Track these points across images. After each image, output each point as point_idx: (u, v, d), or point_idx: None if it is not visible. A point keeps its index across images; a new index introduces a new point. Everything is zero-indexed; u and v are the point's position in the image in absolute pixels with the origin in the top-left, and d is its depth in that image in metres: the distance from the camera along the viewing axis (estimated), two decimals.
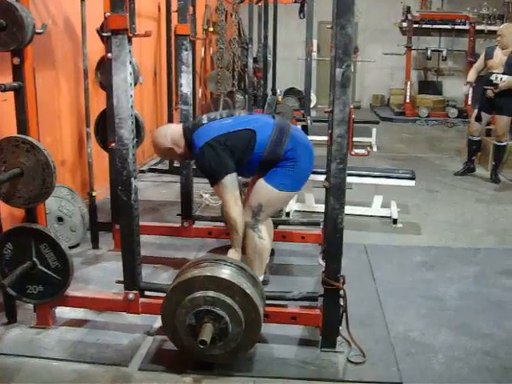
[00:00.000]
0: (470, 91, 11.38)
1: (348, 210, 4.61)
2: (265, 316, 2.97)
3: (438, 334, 3.25)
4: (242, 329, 2.71)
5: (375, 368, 2.89)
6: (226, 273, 2.76)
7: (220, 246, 4.33)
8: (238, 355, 2.84)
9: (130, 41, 2.78)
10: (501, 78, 6.53)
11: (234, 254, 3.24)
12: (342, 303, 2.96)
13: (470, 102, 11.50)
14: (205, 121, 3.41)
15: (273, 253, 4.31)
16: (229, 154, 3.21)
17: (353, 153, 5.54)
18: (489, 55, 6.74)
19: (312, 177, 4.11)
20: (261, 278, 3.47)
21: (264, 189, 3.31)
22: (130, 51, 2.79)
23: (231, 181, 3.19)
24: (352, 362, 2.92)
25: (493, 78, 6.61)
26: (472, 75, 7.12)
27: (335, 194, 2.82)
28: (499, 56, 6.59)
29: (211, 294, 2.69)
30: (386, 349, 3.08)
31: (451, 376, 2.86)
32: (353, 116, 2.85)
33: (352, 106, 2.71)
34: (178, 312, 2.74)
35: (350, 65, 2.68)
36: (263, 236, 3.36)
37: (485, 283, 3.95)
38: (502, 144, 6.87)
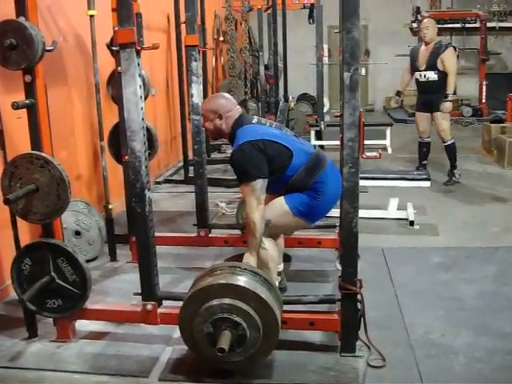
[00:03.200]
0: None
1: (364, 213, 4.62)
2: (283, 322, 2.98)
3: (458, 334, 3.23)
4: (260, 334, 2.71)
5: (396, 371, 2.88)
6: (240, 279, 2.76)
7: (237, 254, 4.33)
8: (258, 360, 2.85)
9: (138, 54, 2.80)
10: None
11: (249, 258, 3.18)
12: (359, 307, 2.95)
13: (484, 100, 11.47)
14: (254, 121, 3.40)
15: (289, 259, 4.31)
16: (266, 161, 3.18)
17: (364, 156, 5.52)
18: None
19: None
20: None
21: (279, 206, 3.30)
22: (138, 64, 2.81)
23: (261, 185, 3.14)
24: (372, 366, 2.91)
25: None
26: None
27: (349, 197, 2.82)
28: None
29: (227, 301, 2.69)
30: (405, 352, 3.06)
31: (473, 377, 2.83)
32: (363, 119, 2.85)
33: (362, 110, 2.70)
34: (195, 321, 2.74)
35: (358, 68, 2.68)
36: (266, 247, 3.32)
37: (504, 282, 3.91)
38: (448, 143, 6.74)
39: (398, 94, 7.15)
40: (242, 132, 3.27)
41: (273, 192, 3.38)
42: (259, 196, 3.13)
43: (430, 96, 6.53)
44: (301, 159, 3.28)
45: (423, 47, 6.58)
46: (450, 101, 6.45)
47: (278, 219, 3.31)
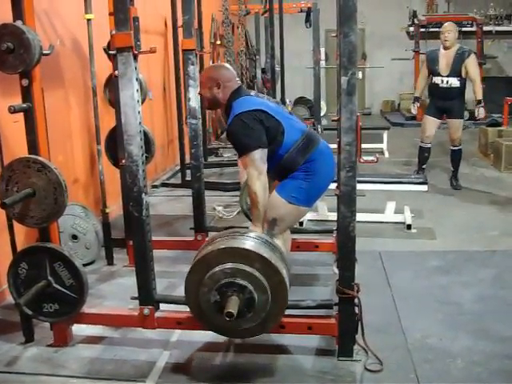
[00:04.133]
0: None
1: (361, 217, 4.61)
2: (281, 327, 2.98)
3: (456, 338, 3.22)
4: (268, 295, 2.67)
5: (393, 376, 2.87)
6: (240, 242, 2.73)
7: None
8: (269, 325, 2.82)
9: (135, 58, 2.80)
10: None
11: (254, 230, 3.10)
12: (357, 311, 2.95)
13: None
14: (252, 93, 3.38)
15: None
16: (264, 131, 3.14)
17: (361, 160, 5.53)
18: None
19: None
20: None
21: (276, 202, 3.25)
22: (135, 68, 2.81)
23: (261, 155, 3.08)
24: (369, 371, 2.90)
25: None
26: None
27: (346, 201, 2.82)
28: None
29: (229, 265, 2.66)
30: (403, 356, 3.06)
31: (470, 381, 2.83)
32: (360, 123, 2.84)
33: (359, 114, 2.68)
34: (200, 292, 2.71)
35: (355, 72, 2.68)
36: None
37: (502, 286, 3.91)
38: (458, 148, 6.74)
39: (417, 99, 7.07)
40: (239, 102, 3.22)
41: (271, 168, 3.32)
42: (260, 166, 3.08)
43: (448, 102, 6.47)
44: (293, 137, 3.23)
45: (443, 51, 6.48)
46: (483, 107, 6.42)
47: (278, 214, 3.27)
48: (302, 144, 3.25)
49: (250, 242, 2.75)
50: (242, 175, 4.84)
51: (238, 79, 3.38)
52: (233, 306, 2.60)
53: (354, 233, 2.86)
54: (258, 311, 2.69)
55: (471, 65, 6.31)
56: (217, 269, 2.66)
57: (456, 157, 6.74)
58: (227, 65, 3.52)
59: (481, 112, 6.38)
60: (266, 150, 3.12)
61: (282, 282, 2.70)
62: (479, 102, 6.37)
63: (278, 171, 3.29)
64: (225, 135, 9.34)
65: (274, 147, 3.18)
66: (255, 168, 3.07)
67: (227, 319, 2.58)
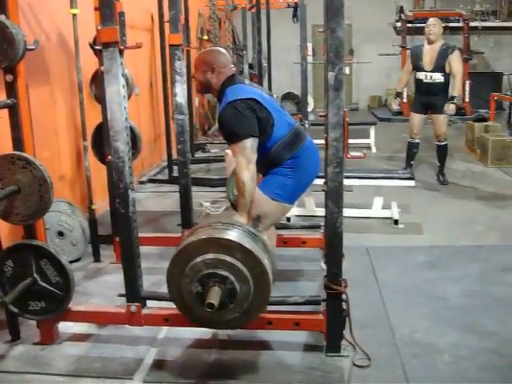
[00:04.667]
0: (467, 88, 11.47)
1: (349, 212, 4.62)
2: (268, 323, 2.97)
3: (443, 333, 3.24)
4: (250, 286, 2.64)
5: (381, 371, 2.88)
6: (222, 232, 2.70)
7: None
8: (253, 316, 2.78)
9: (121, 53, 2.78)
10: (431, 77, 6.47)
11: (240, 219, 3.09)
12: (344, 307, 2.95)
13: (467, 100, 11.54)
14: (247, 82, 3.38)
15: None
16: (256, 121, 3.12)
17: (349, 156, 5.53)
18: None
19: None
20: None
21: (260, 199, 3.21)
22: (121, 63, 2.78)
23: (252, 144, 3.07)
24: (357, 366, 2.91)
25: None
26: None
27: (333, 197, 2.82)
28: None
29: (210, 256, 2.62)
30: (391, 351, 3.07)
31: (458, 376, 2.84)
32: (347, 119, 2.82)
33: (346, 109, 2.68)
34: (182, 283, 2.68)
35: (342, 68, 2.67)
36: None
37: (488, 280, 3.94)
38: (443, 143, 6.76)
39: (398, 95, 7.11)
40: (233, 90, 3.19)
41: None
42: (249, 155, 3.06)
43: (432, 97, 6.47)
44: (281, 131, 3.22)
45: (427, 47, 6.49)
46: (455, 103, 6.42)
47: (261, 211, 3.24)
48: (290, 139, 3.23)
49: (231, 232, 2.71)
50: (229, 168, 4.81)
51: (232, 66, 3.36)
52: (214, 296, 2.57)
53: (342, 228, 2.85)
54: (241, 302, 2.66)
55: (454, 61, 6.34)
56: (198, 259, 2.63)
57: (442, 152, 6.76)
58: (223, 49, 3.48)
59: (451, 108, 6.36)
60: (257, 140, 3.10)
61: (264, 272, 2.66)
62: (452, 98, 6.38)
63: (263, 164, 3.25)
64: (212, 131, 9.32)
65: (262, 139, 3.16)
66: (245, 157, 3.05)
67: (208, 310, 2.56)
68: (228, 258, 2.62)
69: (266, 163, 3.25)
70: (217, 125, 9.07)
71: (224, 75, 3.26)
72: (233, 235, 2.69)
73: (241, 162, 3.06)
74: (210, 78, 3.27)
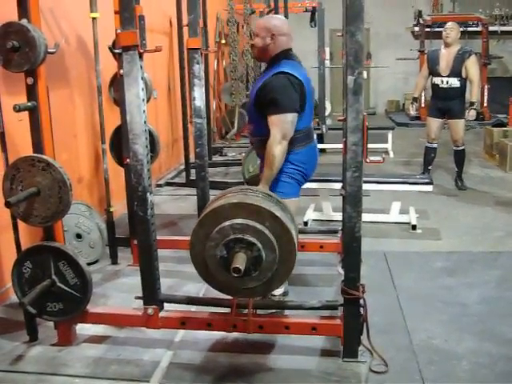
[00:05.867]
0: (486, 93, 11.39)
1: (366, 217, 4.59)
2: (285, 328, 2.97)
3: (461, 340, 3.21)
4: (276, 255, 2.58)
5: (398, 377, 2.86)
6: (252, 199, 2.65)
7: None
8: (274, 286, 2.76)
9: (141, 57, 2.79)
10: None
11: (262, 189, 3.05)
12: (362, 312, 2.93)
13: (485, 104, 11.45)
14: (301, 65, 3.40)
15: None
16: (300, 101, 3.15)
17: (368, 160, 5.48)
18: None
19: (328, 185, 4.12)
20: (280, 291, 3.44)
21: None
22: (141, 67, 2.80)
23: (293, 119, 3.09)
24: (374, 372, 2.89)
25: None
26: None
27: (351, 202, 2.81)
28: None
29: (239, 221, 2.56)
30: (408, 357, 3.04)
31: (476, 383, 2.81)
32: (366, 123, 2.80)
33: (366, 113, 2.69)
34: (207, 246, 2.61)
35: (362, 72, 2.66)
36: None
37: (507, 287, 3.89)
38: (460, 148, 6.70)
39: (415, 100, 7.06)
40: (290, 64, 3.24)
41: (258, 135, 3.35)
42: (287, 130, 3.08)
43: (448, 103, 6.43)
44: (301, 124, 3.24)
45: (444, 51, 6.46)
46: (475, 109, 6.38)
47: None
48: (302, 135, 3.27)
49: (261, 200, 2.66)
50: None
51: (292, 40, 3.37)
52: (240, 261, 2.50)
53: (360, 233, 2.84)
54: (265, 270, 2.60)
55: (471, 66, 6.29)
56: (226, 223, 2.56)
57: (459, 157, 6.72)
58: (284, 19, 3.50)
59: (471, 114, 6.34)
60: (296, 117, 3.12)
61: (291, 241, 2.60)
62: (472, 103, 6.35)
63: (263, 147, 3.22)
64: (230, 135, 9.32)
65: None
66: (282, 130, 3.07)
67: (234, 275, 2.49)
68: (257, 225, 2.55)
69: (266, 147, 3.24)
70: (235, 129, 9.12)
71: (282, 44, 3.29)
72: (263, 202, 2.63)
73: (276, 134, 3.08)
74: (268, 43, 3.28)
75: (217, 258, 2.60)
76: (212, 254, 2.61)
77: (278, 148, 3.06)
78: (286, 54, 3.29)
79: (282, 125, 3.06)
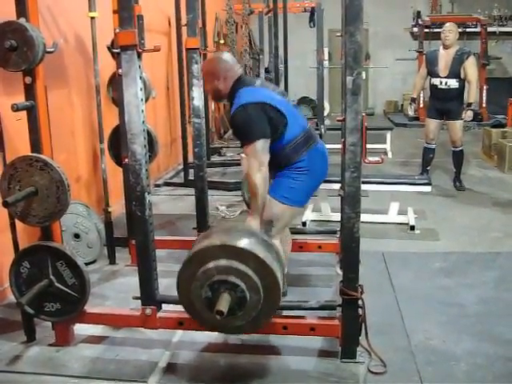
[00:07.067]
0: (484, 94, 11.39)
1: (364, 217, 4.58)
2: (283, 328, 2.96)
3: (460, 341, 3.20)
4: (260, 295, 2.63)
5: (396, 378, 2.85)
6: (236, 240, 2.68)
7: None
8: (260, 324, 2.79)
9: (139, 56, 2.79)
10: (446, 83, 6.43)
11: (251, 222, 3.12)
12: (360, 313, 2.93)
13: (484, 105, 11.46)
14: (258, 83, 3.37)
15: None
16: (267, 123, 3.13)
17: (366, 161, 5.51)
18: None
19: (327, 185, 4.11)
20: None
21: (270, 203, 3.24)
22: (139, 67, 2.79)
23: (263, 146, 3.08)
24: (373, 373, 2.89)
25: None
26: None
27: (350, 202, 2.80)
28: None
29: (223, 262, 2.60)
30: (406, 358, 3.04)
31: None
32: (365, 124, 2.82)
33: (364, 114, 2.69)
34: (192, 286, 2.66)
35: (361, 72, 2.66)
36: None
37: (505, 288, 3.89)
38: (459, 149, 6.70)
39: (413, 100, 7.07)
40: (245, 92, 3.21)
41: None
42: (261, 157, 3.08)
43: (447, 103, 6.44)
44: (294, 132, 3.24)
45: (442, 52, 6.46)
46: (472, 110, 6.38)
47: (273, 214, 3.27)
48: (301, 141, 3.26)
49: (246, 240, 2.69)
50: (245, 171, 4.81)
51: (238, 67, 3.38)
52: (224, 304, 2.55)
53: (359, 234, 2.83)
54: (249, 310, 2.65)
55: (469, 67, 6.29)
56: (211, 265, 2.62)
57: (458, 158, 6.72)
58: (225, 54, 3.50)
59: (468, 115, 6.35)
60: (268, 141, 3.11)
61: (275, 282, 2.65)
62: (469, 104, 6.36)
63: (272, 165, 3.24)
64: (228, 134, 9.33)
65: (275, 138, 3.18)
66: (257, 158, 3.07)
67: (217, 317, 2.54)
68: (241, 266, 2.60)
69: (276, 164, 3.25)
70: None
71: (231, 79, 3.29)
72: (247, 243, 2.67)
73: (253, 164, 3.08)
74: (217, 86, 3.31)
75: (202, 299, 2.66)
76: (197, 295, 2.67)
77: (257, 176, 3.07)
78: (238, 84, 3.28)
79: (255, 154, 3.08)
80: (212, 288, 2.62)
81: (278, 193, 3.26)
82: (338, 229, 4.10)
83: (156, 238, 3.13)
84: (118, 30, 2.81)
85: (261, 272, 2.63)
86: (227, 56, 3.45)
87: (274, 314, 2.82)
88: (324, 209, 5.43)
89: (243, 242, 2.67)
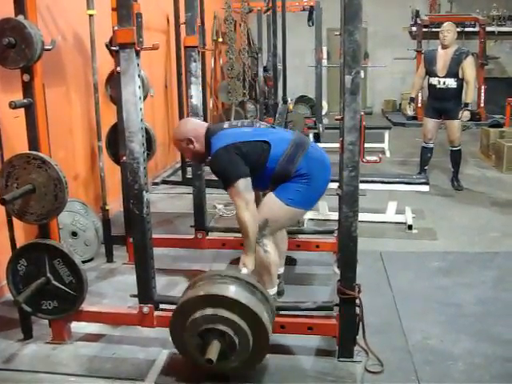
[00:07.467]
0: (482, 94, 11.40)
1: (362, 216, 4.57)
2: (281, 327, 2.97)
3: (457, 340, 3.21)
4: (249, 338, 2.69)
5: (393, 377, 2.86)
6: (219, 288, 2.75)
7: (234, 258, 4.30)
8: (254, 363, 2.84)
9: (137, 54, 2.78)
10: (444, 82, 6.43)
11: (246, 259, 3.15)
12: (358, 312, 2.93)
13: (482, 105, 11.47)
14: (226, 126, 3.42)
15: (294, 262, 4.30)
16: (243, 161, 3.17)
17: (364, 160, 5.52)
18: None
19: None
20: (274, 291, 3.43)
21: (272, 202, 3.27)
22: (138, 65, 2.79)
23: (244, 185, 3.12)
24: (370, 372, 2.89)
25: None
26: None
27: (348, 201, 2.80)
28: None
29: (209, 311, 2.68)
30: (404, 357, 3.04)
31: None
32: (364, 123, 2.81)
33: (363, 113, 2.70)
34: (184, 335, 2.75)
35: (360, 71, 2.66)
36: (268, 250, 3.30)
37: (503, 288, 3.89)
38: (457, 149, 6.71)
39: (412, 100, 7.08)
40: (214, 140, 3.28)
41: (262, 189, 3.42)
42: (246, 196, 3.11)
43: (445, 103, 6.45)
44: (281, 148, 3.26)
45: (441, 52, 6.47)
46: (470, 110, 6.39)
47: (274, 215, 3.28)
48: (291, 152, 3.27)
49: (229, 287, 2.75)
50: None
51: (202, 123, 3.51)
52: (213, 352, 2.63)
53: (356, 233, 2.83)
54: (241, 353, 2.72)
55: (467, 66, 6.30)
56: (197, 314, 2.70)
57: (456, 157, 6.72)
58: (185, 119, 3.67)
59: (465, 115, 6.35)
60: (249, 179, 3.16)
61: (261, 324, 2.70)
62: (466, 104, 6.36)
63: (273, 182, 3.31)
64: None
65: (262, 164, 3.23)
66: (242, 198, 3.12)
67: (208, 365, 2.63)
68: (226, 314, 2.67)
69: (276, 180, 3.29)
70: None
71: (201, 135, 3.36)
72: (230, 290, 2.73)
73: (239, 204, 3.13)
74: (195, 148, 3.38)
75: (194, 346, 2.75)
76: (189, 342, 2.77)
77: (246, 214, 3.11)
78: (209, 135, 3.34)
79: (238, 194, 3.12)
80: (202, 336, 2.71)
81: (284, 195, 3.26)
82: (336, 228, 4.10)
83: (154, 236, 3.13)
84: (116, 28, 2.80)
85: (246, 316, 2.68)
86: (187, 118, 3.59)
87: (266, 353, 2.86)
88: (322, 208, 5.42)
89: (226, 290, 2.74)
